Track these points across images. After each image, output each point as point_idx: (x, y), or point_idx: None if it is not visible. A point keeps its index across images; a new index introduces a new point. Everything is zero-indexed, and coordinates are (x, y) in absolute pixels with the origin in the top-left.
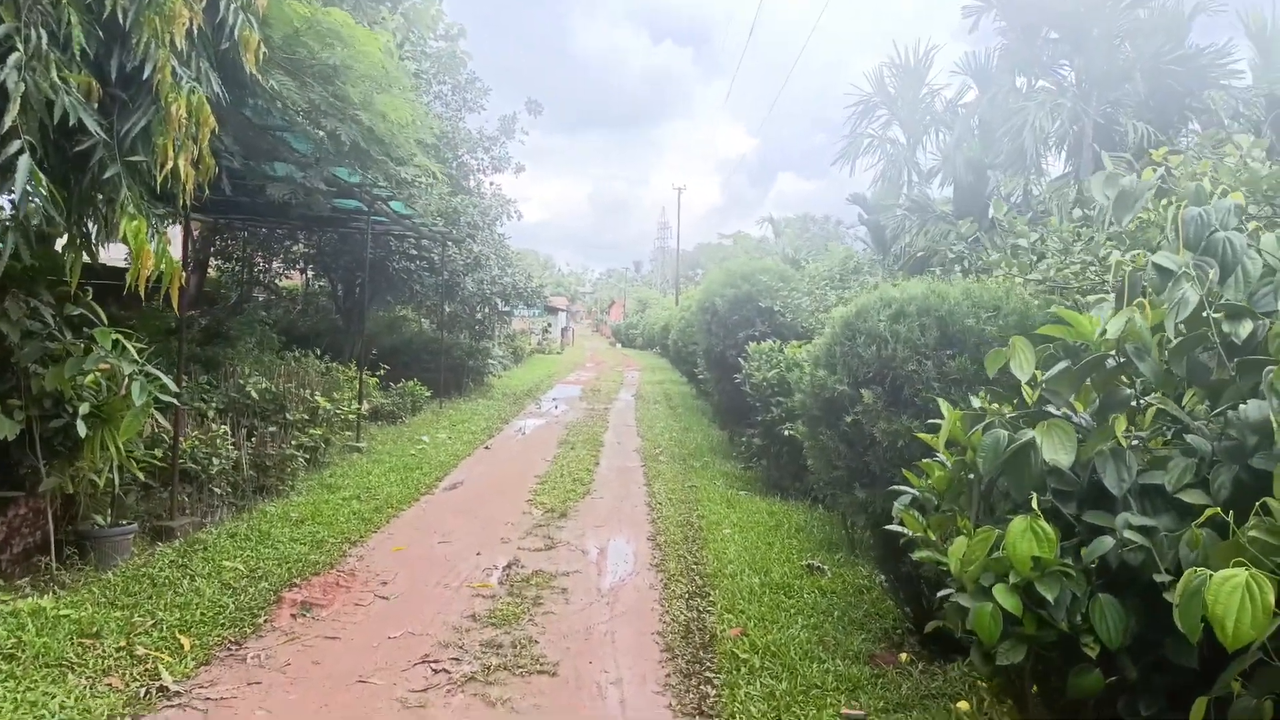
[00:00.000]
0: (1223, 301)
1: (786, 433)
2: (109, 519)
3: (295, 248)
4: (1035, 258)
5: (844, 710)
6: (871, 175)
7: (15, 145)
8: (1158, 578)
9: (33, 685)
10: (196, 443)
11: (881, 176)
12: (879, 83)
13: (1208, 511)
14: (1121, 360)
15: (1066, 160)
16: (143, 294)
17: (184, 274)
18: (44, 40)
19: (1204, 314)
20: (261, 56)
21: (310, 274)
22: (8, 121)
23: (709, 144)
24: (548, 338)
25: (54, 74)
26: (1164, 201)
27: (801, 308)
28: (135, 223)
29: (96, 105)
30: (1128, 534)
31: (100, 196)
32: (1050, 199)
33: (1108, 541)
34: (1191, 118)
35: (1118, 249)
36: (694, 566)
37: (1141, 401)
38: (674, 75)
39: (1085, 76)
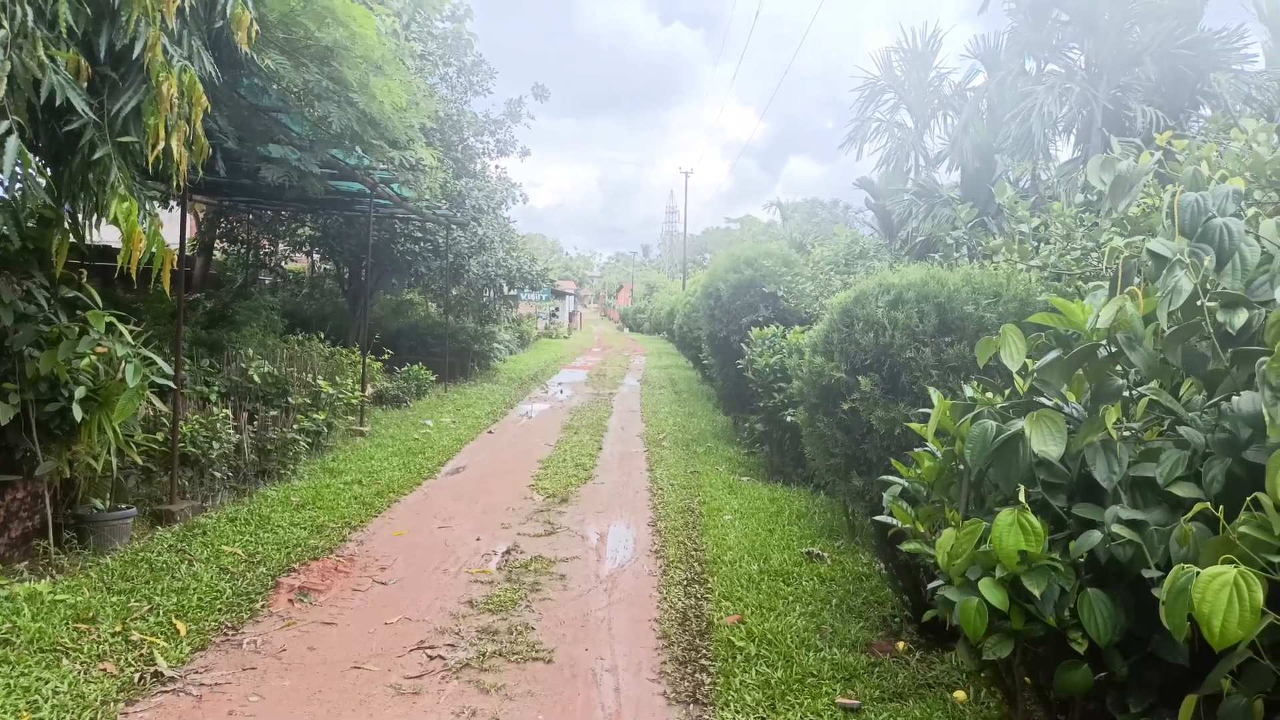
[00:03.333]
0: (1219, 290)
1: (788, 419)
2: (108, 503)
3: (301, 231)
4: (1037, 244)
5: (839, 699)
6: (878, 159)
7: (3, 125)
8: (1147, 573)
9: (27, 671)
10: (197, 426)
11: (888, 160)
12: (886, 66)
13: (1197, 506)
14: (1114, 350)
15: (1075, 145)
16: (134, 276)
17: (190, 257)
18: (30, 17)
19: (1198, 302)
20: (255, 35)
21: (316, 257)
22: None
23: (718, 127)
24: (555, 322)
25: (41, 52)
26: (1167, 187)
27: (805, 293)
28: (126, 204)
29: (86, 84)
30: (1116, 528)
31: (91, 177)
32: (1058, 184)
33: (1096, 536)
34: (1203, 102)
35: (1120, 235)
36: (693, 553)
37: (1135, 392)
38: (684, 58)
39: (1095, 60)
